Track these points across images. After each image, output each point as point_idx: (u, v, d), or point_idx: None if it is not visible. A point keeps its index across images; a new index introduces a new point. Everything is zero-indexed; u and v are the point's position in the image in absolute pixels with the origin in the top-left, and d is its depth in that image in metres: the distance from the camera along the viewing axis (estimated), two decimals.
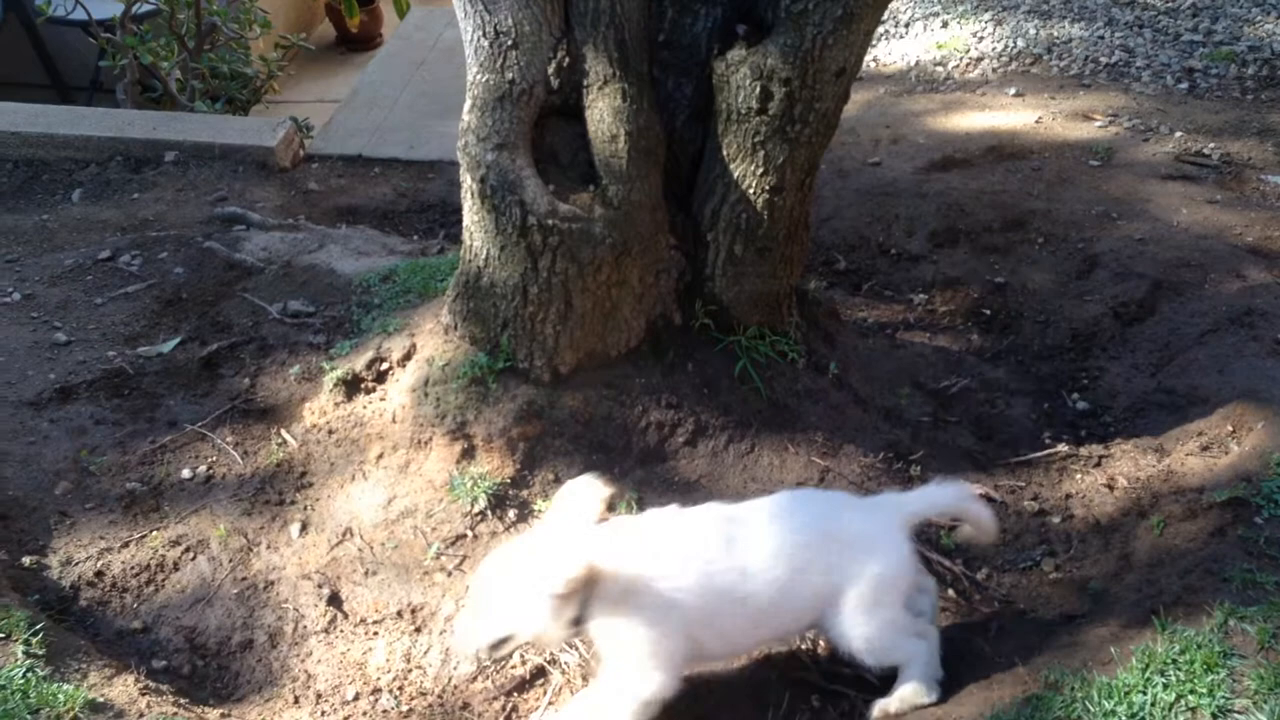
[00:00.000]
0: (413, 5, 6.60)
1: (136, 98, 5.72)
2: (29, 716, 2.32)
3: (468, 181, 2.97)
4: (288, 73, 6.44)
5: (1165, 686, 2.28)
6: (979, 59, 6.33)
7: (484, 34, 2.85)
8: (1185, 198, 4.59)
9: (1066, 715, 2.29)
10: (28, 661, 2.46)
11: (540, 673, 2.77)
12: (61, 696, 2.39)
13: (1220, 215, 4.43)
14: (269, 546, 3.06)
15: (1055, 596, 2.96)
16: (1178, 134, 5.24)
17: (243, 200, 4.76)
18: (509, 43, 2.84)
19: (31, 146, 5.01)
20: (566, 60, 2.89)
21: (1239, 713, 2.21)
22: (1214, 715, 2.21)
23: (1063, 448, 3.42)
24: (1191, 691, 2.26)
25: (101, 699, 2.44)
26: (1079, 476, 3.31)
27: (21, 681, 2.40)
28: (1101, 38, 6.39)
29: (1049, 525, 3.17)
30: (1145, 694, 2.28)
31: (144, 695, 2.52)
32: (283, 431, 3.33)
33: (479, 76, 2.90)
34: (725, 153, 3.03)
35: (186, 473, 3.25)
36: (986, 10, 6.77)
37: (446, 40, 6.75)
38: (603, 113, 2.91)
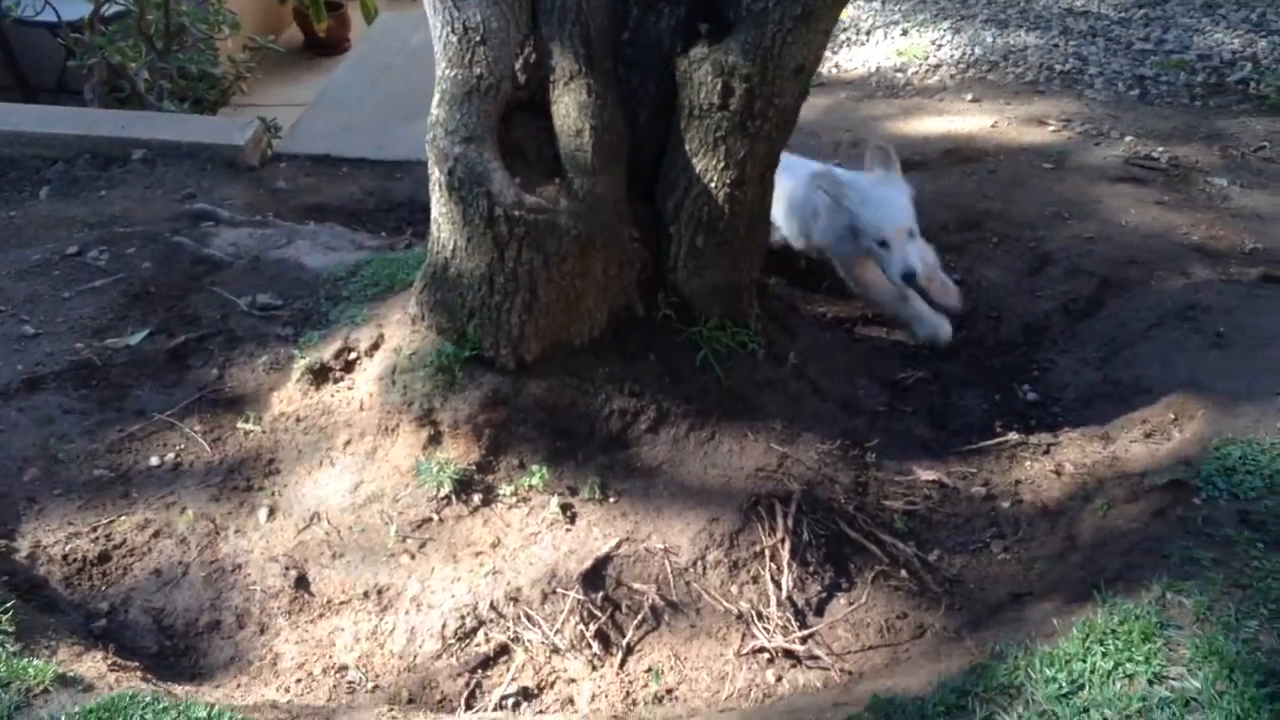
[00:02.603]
0: (381, 10, 6.68)
1: (104, 98, 5.74)
2: (0, 690, 2.37)
3: (435, 174, 3.03)
4: (255, 76, 6.47)
5: (1104, 655, 2.38)
6: (937, 66, 6.47)
7: (452, 30, 2.92)
8: (1134, 199, 4.72)
9: (1010, 682, 2.38)
10: None
11: (504, 650, 2.83)
12: (32, 671, 2.42)
13: (1167, 215, 4.56)
14: (236, 531, 3.11)
15: (1003, 576, 3.05)
16: (1128, 139, 5.39)
17: (211, 198, 4.80)
18: (477, 39, 2.91)
19: None
20: (533, 56, 2.96)
21: (1174, 679, 2.30)
22: (1150, 681, 2.31)
23: (1013, 436, 3.52)
24: (1129, 659, 2.36)
25: (71, 673, 2.47)
26: (1028, 463, 3.42)
27: None
28: (1056, 46, 6.55)
29: (998, 510, 3.27)
30: (1085, 662, 2.38)
31: (112, 671, 2.56)
32: (250, 420, 3.38)
33: (447, 71, 2.97)
34: (687, 147, 3.12)
35: (154, 460, 3.30)
36: (945, 19, 6.92)
37: (413, 44, 6.81)
38: (568, 108, 2.99)
